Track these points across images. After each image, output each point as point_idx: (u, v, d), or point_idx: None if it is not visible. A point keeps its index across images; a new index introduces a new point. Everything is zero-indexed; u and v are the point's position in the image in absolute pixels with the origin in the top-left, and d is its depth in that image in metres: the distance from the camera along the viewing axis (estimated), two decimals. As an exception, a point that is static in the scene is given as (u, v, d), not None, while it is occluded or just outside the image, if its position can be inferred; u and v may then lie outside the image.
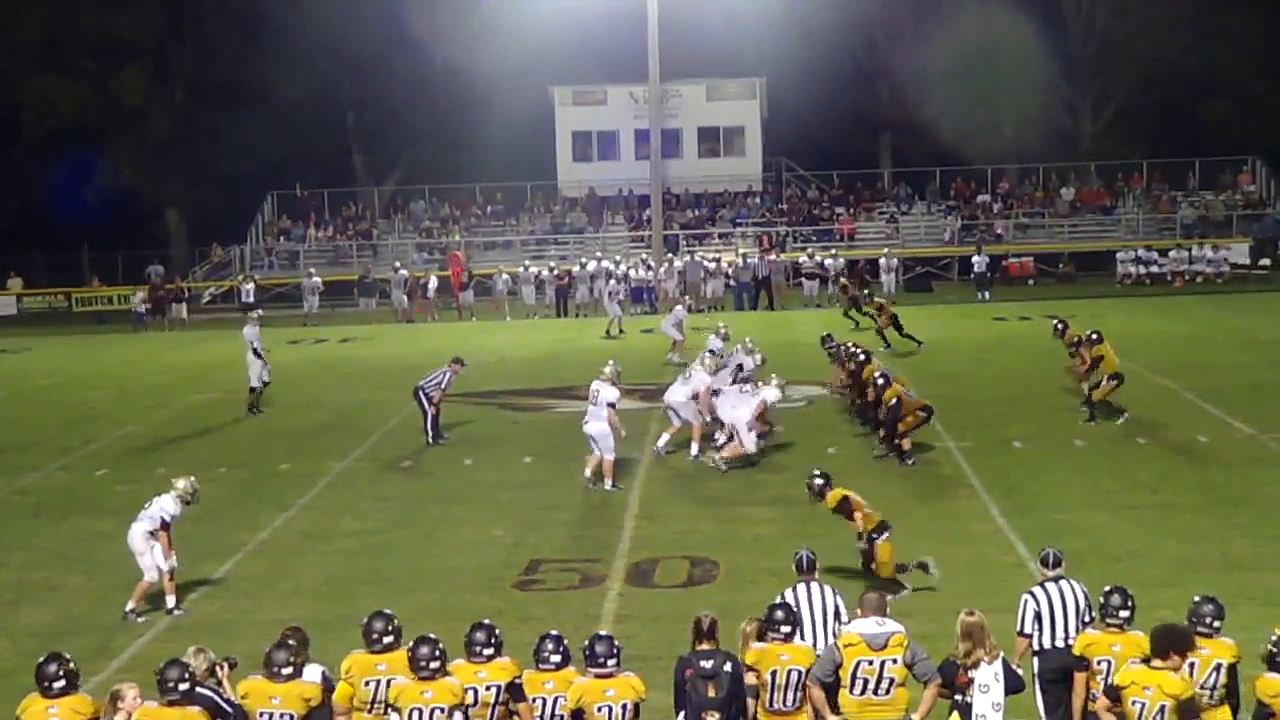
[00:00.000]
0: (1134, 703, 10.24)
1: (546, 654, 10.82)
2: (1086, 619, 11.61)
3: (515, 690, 10.68)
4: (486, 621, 11.03)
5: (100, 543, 18.63)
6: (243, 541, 20.10)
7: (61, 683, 10.34)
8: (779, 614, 11.16)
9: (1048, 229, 59.61)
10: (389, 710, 10.73)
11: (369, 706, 10.93)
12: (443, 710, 10.46)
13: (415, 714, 10.48)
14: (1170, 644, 10.35)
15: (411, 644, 10.70)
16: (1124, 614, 11.04)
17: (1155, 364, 31.18)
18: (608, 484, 22.07)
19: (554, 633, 11.05)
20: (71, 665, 10.47)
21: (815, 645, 11.57)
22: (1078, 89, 65.42)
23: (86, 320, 55.13)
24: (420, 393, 26.30)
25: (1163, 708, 10.13)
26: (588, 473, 22.30)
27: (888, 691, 10.91)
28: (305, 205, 63.42)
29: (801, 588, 12.25)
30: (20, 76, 62.77)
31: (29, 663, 11.41)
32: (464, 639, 10.88)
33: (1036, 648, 11.76)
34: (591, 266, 50.16)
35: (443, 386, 26.34)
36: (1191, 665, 10.47)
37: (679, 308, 37.86)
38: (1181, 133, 60.55)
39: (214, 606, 17.26)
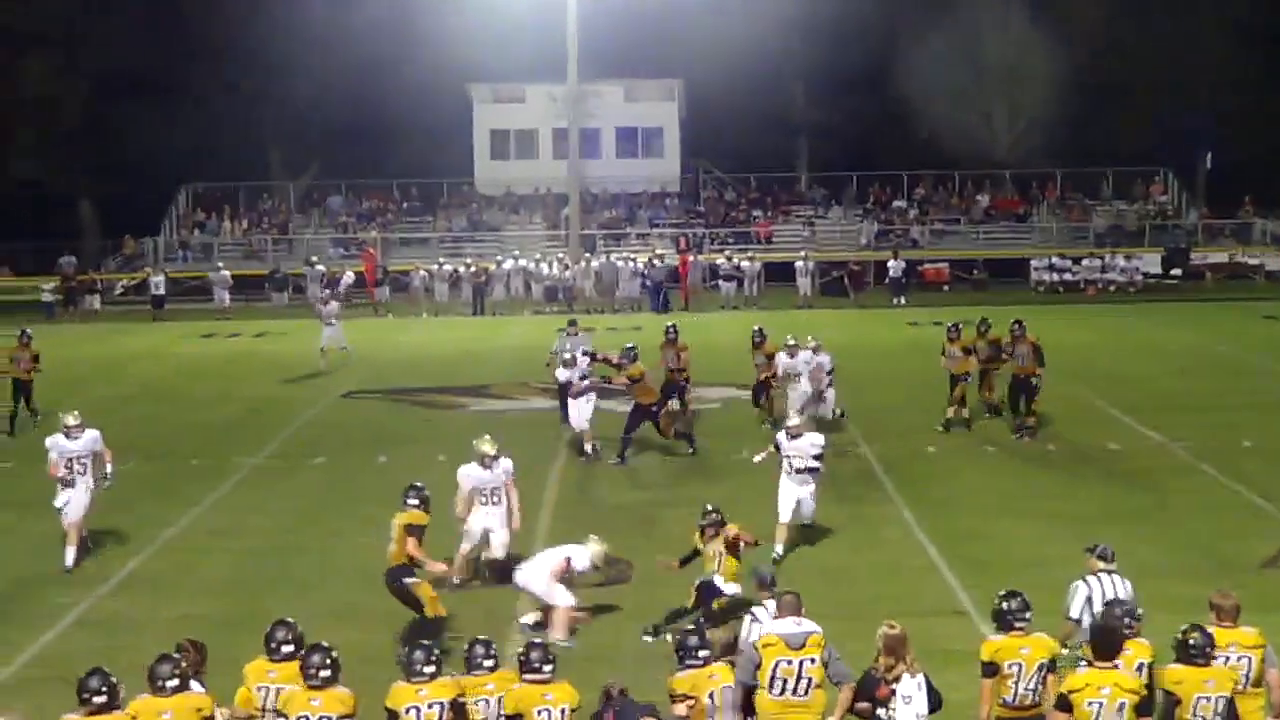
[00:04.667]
0: (1089, 704, 10.17)
1: (479, 659, 10.77)
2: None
3: (459, 709, 10.47)
4: (426, 642, 10.87)
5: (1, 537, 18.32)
6: (152, 536, 19.84)
7: None
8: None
9: (963, 235, 60.13)
10: (277, 717, 10.56)
11: (260, 713, 10.81)
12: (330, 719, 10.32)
13: None
14: (1115, 643, 10.52)
15: (304, 651, 10.57)
16: (1028, 615, 11.06)
17: (1067, 371, 31.43)
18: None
19: (483, 638, 11.01)
20: None
21: None
22: (993, 97, 65.91)
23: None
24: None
25: (1122, 705, 10.16)
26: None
27: (806, 692, 10.92)
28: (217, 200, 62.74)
29: None
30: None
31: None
32: (401, 660, 10.71)
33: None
34: (509, 265, 50.27)
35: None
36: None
37: (332, 305, 36.70)
38: (1095, 144, 61.14)
39: (120, 603, 16.98)
